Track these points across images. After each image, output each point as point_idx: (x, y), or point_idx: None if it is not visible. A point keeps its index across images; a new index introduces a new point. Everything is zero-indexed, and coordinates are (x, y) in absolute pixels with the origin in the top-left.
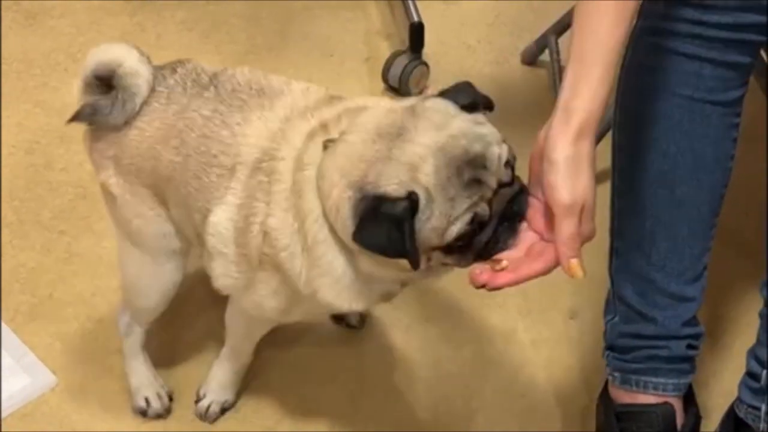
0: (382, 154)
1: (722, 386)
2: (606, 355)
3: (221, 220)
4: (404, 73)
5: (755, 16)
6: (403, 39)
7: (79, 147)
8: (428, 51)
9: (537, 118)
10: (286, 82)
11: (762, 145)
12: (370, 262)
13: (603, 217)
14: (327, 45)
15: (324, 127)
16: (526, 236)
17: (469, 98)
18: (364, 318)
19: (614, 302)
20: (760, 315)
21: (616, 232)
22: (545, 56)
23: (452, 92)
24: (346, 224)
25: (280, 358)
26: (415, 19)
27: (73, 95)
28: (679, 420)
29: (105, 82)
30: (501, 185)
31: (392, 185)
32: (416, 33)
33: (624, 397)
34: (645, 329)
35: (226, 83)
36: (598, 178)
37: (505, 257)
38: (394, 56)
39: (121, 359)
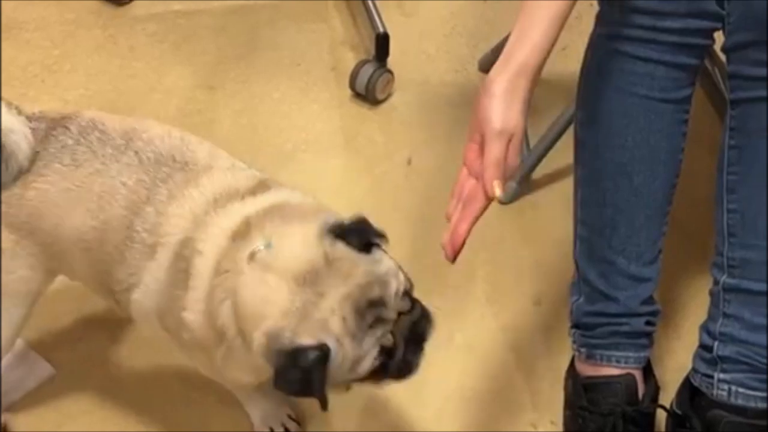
0: (298, 308)
1: (676, 362)
2: (572, 333)
3: (143, 299)
4: (371, 81)
5: (702, 22)
6: (367, 49)
7: None
8: (391, 60)
9: None
10: (211, 154)
11: (703, 144)
12: None
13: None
14: (294, 55)
15: (247, 226)
16: (467, 183)
17: (364, 238)
18: None
19: (579, 284)
20: (710, 293)
21: (579, 221)
22: None
23: (349, 234)
24: (260, 362)
25: None
26: (381, 30)
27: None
28: (641, 390)
29: None
30: (401, 314)
31: (306, 337)
32: (382, 43)
33: (589, 370)
34: (608, 308)
35: (147, 150)
36: (563, 173)
37: (451, 212)
38: (361, 65)
39: (118, 348)
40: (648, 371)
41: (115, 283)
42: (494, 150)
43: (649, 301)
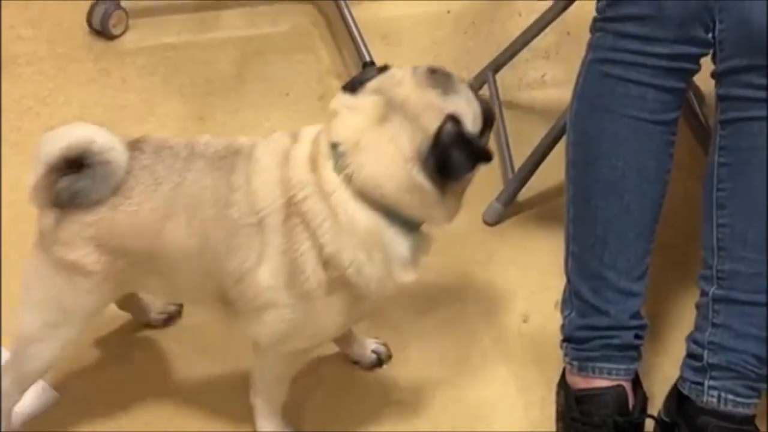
0: (400, 124)
1: (662, 375)
2: (564, 347)
3: (267, 273)
4: None
5: (691, 48)
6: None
7: None
8: None
9: None
10: (248, 138)
11: (682, 166)
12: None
13: (551, 230)
14: (282, 85)
15: (313, 159)
16: None
17: None
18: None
19: (571, 299)
20: (697, 305)
21: (571, 238)
22: (484, 90)
23: None
24: (424, 185)
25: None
26: (367, 58)
27: (27, 185)
28: (631, 401)
29: (73, 163)
30: None
31: (434, 126)
32: None
33: (581, 382)
34: (599, 322)
35: (207, 152)
36: (555, 192)
37: None
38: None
39: (119, 369)
40: (637, 383)
41: (229, 277)
42: None
43: (638, 315)
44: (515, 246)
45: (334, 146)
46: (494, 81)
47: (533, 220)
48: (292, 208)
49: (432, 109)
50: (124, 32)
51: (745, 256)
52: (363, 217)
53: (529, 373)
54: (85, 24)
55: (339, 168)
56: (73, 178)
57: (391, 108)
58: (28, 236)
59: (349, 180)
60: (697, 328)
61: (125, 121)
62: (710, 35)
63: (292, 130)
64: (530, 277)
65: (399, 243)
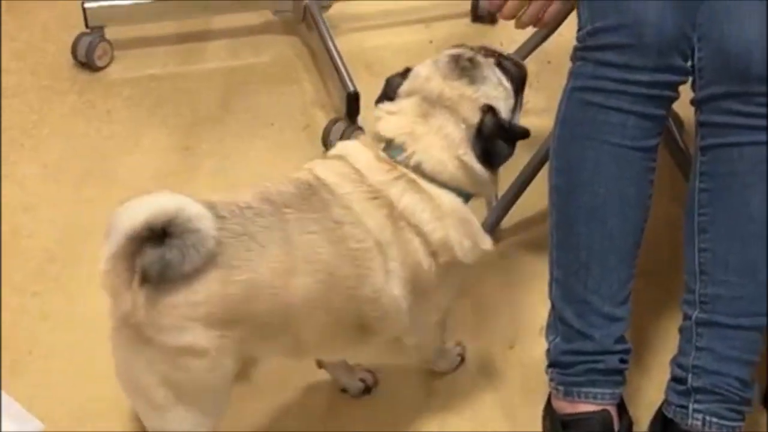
0: (444, 116)
1: (645, 399)
2: (549, 372)
3: (398, 286)
4: (343, 138)
5: (670, 76)
6: (338, 108)
7: (44, 214)
8: (362, 118)
9: None
10: (306, 173)
11: (666, 194)
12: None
13: (534, 257)
14: (267, 116)
15: (381, 159)
16: None
17: None
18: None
19: (556, 325)
20: (681, 329)
21: (555, 263)
22: None
23: None
24: (476, 168)
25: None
26: (351, 89)
27: (101, 258)
28: (616, 425)
29: (156, 234)
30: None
31: (475, 118)
32: (352, 101)
33: (567, 407)
34: (584, 346)
35: (287, 199)
36: (539, 218)
37: None
38: (333, 123)
39: (102, 403)
40: (622, 407)
41: (368, 304)
42: None
43: (622, 339)
44: (500, 272)
45: (389, 142)
46: None
47: (518, 246)
48: (394, 214)
49: (467, 101)
50: (109, 64)
51: (726, 280)
52: (447, 198)
53: (515, 398)
54: (70, 56)
55: (405, 160)
56: (161, 251)
57: (429, 104)
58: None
59: (418, 168)
60: (681, 351)
61: (110, 152)
62: (689, 63)
63: (280, 158)
64: (516, 303)
65: (473, 215)
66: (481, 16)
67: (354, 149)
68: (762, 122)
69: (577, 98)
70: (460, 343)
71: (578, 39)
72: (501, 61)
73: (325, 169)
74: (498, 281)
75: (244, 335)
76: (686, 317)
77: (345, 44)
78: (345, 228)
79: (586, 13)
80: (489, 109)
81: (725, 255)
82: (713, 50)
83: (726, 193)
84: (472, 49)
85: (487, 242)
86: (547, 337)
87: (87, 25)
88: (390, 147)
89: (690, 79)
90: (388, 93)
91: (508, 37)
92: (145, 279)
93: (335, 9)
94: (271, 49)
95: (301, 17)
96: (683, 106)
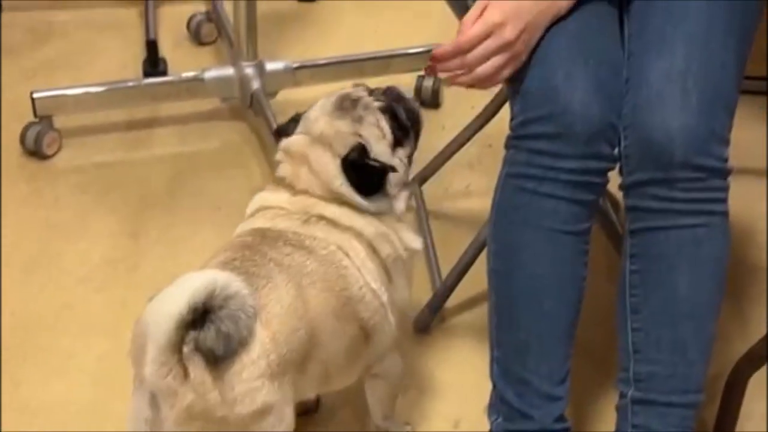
0: (322, 151)
1: None
2: None
3: (373, 279)
4: None
5: (598, 163)
6: None
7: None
8: None
9: None
10: (244, 233)
11: (603, 273)
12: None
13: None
14: (214, 200)
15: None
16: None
17: None
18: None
19: (497, 405)
20: (617, 407)
21: (495, 344)
22: (411, 201)
23: None
24: (355, 197)
25: None
26: None
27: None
28: None
29: (197, 315)
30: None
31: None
32: None
33: None
34: (524, 426)
35: (254, 242)
36: (482, 297)
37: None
38: None
39: None
40: None
41: (360, 304)
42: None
43: (562, 418)
44: (445, 352)
45: (284, 181)
46: (421, 192)
47: (462, 326)
48: (331, 224)
49: (341, 137)
50: (57, 152)
51: (659, 359)
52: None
53: None
54: (18, 145)
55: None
56: (215, 327)
57: (312, 140)
58: None
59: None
60: (619, 429)
61: (58, 239)
62: (616, 151)
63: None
64: (460, 382)
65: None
66: (424, 101)
67: (269, 197)
68: (685, 206)
69: (511, 185)
70: (408, 423)
71: (511, 128)
72: (392, 105)
73: (259, 220)
74: (444, 359)
75: (292, 375)
76: (622, 395)
77: None
78: (307, 242)
79: (518, 104)
80: (358, 145)
81: (656, 334)
82: (638, 139)
83: (655, 275)
84: (370, 90)
85: (417, 242)
86: (489, 416)
87: (35, 115)
88: (290, 186)
89: (617, 165)
90: (281, 134)
91: (452, 120)
92: (208, 360)
93: (282, 95)
94: (218, 135)
95: (249, 104)
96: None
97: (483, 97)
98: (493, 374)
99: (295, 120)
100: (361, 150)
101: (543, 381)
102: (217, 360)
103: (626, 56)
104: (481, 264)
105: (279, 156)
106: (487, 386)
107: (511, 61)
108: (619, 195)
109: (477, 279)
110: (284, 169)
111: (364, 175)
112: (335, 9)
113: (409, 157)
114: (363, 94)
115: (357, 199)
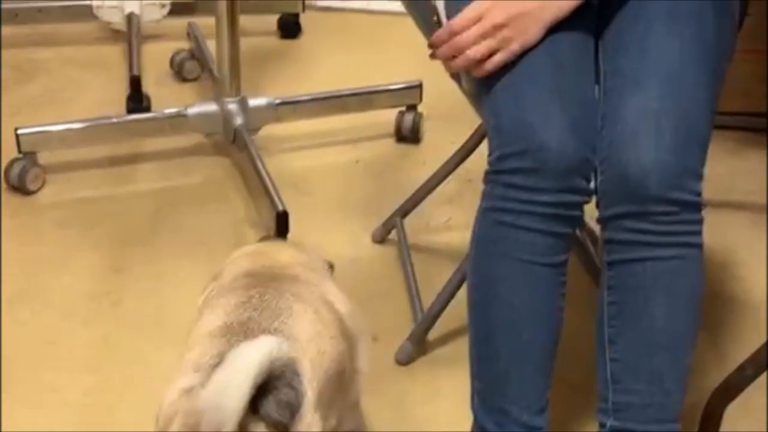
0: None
1: None
2: None
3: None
4: None
5: (573, 196)
6: (268, 226)
7: None
8: (291, 236)
9: (388, 288)
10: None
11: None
12: None
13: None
14: (197, 235)
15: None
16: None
17: None
18: None
19: None
20: None
21: (475, 375)
22: (393, 235)
23: None
24: None
25: None
26: (280, 208)
27: None
28: None
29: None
30: None
31: None
32: (282, 221)
33: None
34: None
35: (275, 276)
36: (463, 330)
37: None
38: (262, 241)
39: None
40: None
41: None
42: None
43: None
44: (426, 384)
45: None
46: (402, 226)
47: (443, 358)
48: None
49: None
50: (40, 188)
51: (637, 389)
52: None
53: None
54: (1, 180)
55: None
56: (273, 400)
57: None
58: None
59: None
60: None
61: (41, 274)
62: (591, 184)
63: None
64: (441, 414)
65: None
66: (404, 136)
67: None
68: (661, 239)
69: (489, 218)
70: None
71: (489, 163)
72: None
73: (245, 262)
74: (425, 392)
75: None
76: (601, 425)
77: (274, 165)
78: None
79: (495, 140)
80: None
81: (635, 364)
82: (614, 174)
83: (632, 306)
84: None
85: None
86: None
87: (20, 151)
88: None
89: (592, 198)
90: None
91: (432, 156)
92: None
93: (264, 131)
94: (201, 170)
95: (232, 139)
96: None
97: (463, 133)
98: (473, 406)
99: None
100: None
101: (523, 411)
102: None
103: (602, 93)
104: (463, 296)
105: None
106: (468, 419)
107: (502, 45)
108: (597, 228)
109: (460, 311)
110: None
111: None
112: (317, 46)
113: None
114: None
115: None
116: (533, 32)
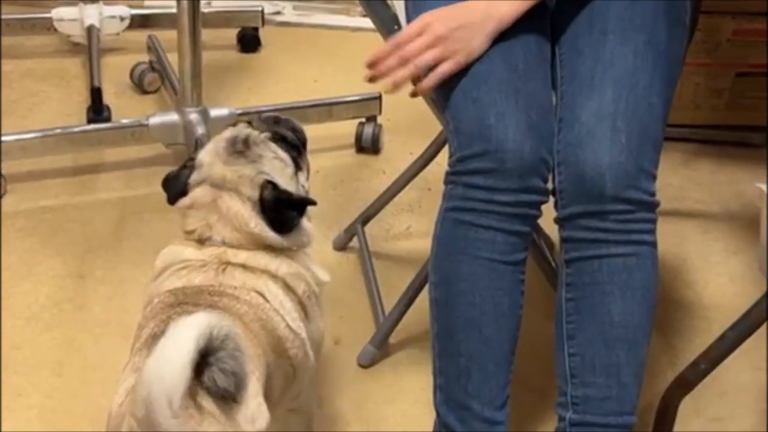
0: (230, 197)
1: None
2: None
3: (292, 319)
4: None
5: (532, 196)
6: None
7: None
8: None
9: (350, 294)
10: (155, 297)
11: (540, 308)
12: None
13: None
14: (158, 242)
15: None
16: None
17: None
18: None
19: (441, 431)
20: (556, 431)
21: (438, 371)
22: (354, 242)
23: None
24: (274, 237)
25: None
26: None
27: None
28: None
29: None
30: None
31: (256, 195)
32: None
33: None
34: None
35: (199, 293)
36: (424, 333)
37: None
38: None
39: None
40: None
41: (295, 359)
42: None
43: None
44: (389, 386)
45: (193, 234)
46: (363, 233)
47: (405, 360)
48: (242, 267)
49: (247, 180)
50: (2, 196)
51: (595, 381)
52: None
53: None
54: None
55: (216, 243)
56: (217, 369)
57: (217, 188)
58: None
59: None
60: None
61: (5, 281)
62: (549, 185)
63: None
64: (405, 415)
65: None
66: (364, 147)
67: (176, 252)
68: (616, 237)
69: (450, 218)
70: None
71: (449, 165)
72: (277, 130)
73: (169, 280)
74: (388, 393)
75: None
76: (560, 419)
77: None
78: (228, 291)
79: (455, 142)
80: (268, 183)
81: (592, 358)
82: (571, 174)
83: (589, 302)
84: (249, 122)
85: (326, 275)
86: None
87: None
88: (199, 239)
89: (550, 198)
90: (177, 188)
91: (391, 166)
92: (221, 397)
93: None
94: None
95: (193, 149)
96: (553, 228)
97: (421, 144)
98: (435, 401)
99: (187, 167)
100: (272, 186)
101: (484, 406)
102: (227, 397)
103: (559, 97)
104: (423, 301)
105: (183, 210)
106: (432, 418)
107: (448, 56)
108: (553, 234)
109: (420, 316)
110: (192, 222)
111: (282, 211)
112: (276, 60)
113: (307, 176)
114: (249, 130)
115: (274, 238)
116: (477, 43)
